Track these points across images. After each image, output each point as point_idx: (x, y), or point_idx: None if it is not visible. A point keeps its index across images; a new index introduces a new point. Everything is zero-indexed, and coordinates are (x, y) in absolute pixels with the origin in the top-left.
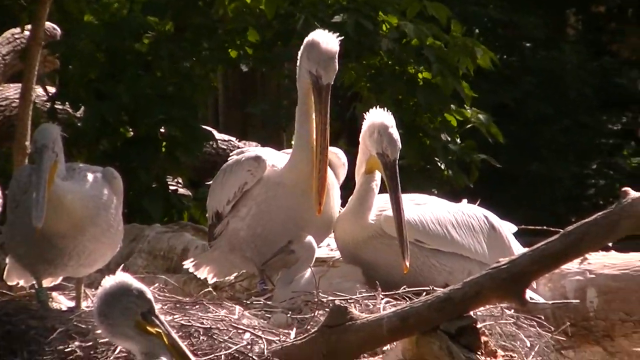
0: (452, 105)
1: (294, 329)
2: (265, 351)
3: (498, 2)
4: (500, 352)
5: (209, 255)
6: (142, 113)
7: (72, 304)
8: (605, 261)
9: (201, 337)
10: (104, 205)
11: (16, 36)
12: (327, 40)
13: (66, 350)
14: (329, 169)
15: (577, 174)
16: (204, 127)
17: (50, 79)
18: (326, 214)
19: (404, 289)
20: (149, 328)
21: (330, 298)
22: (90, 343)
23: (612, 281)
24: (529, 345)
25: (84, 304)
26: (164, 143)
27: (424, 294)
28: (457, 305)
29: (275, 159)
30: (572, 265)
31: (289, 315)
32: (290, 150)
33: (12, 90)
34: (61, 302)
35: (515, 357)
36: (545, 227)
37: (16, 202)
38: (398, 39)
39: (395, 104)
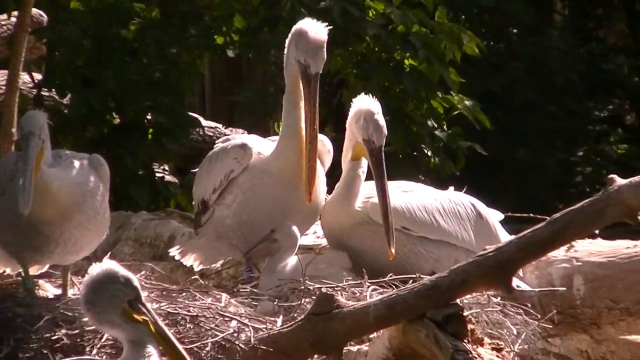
0: (438, 92)
1: (281, 317)
2: (252, 339)
3: None
4: (486, 340)
5: (195, 242)
6: (128, 100)
7: (58, 291)
8: (591, 249)
9: (188, 325)
10: (90, 192)
11: (2, 23)
12: (316, 29)
13: (53, 338)
14: None
15: (563, 161)
16: (190, 114)
17: (37, 65)
18: (312, 201)
19: (391, 276)
20: (135, 316)
21: (317, 286)
22: (77, 331)
23: (599, 269)
24: (515, 333)
25: (70, 292)
26: (151, 130)
27: (411, 281)
28: (443, 292)
29: (262, 146)
30: (559, 253)
31: (275, 302)
32: (276, 138)
33: None
34: (48, 289)
35: (501, 344)
36: (531, 215)
37: (2, 189)
38: (384, 25)
39: (382, 91)
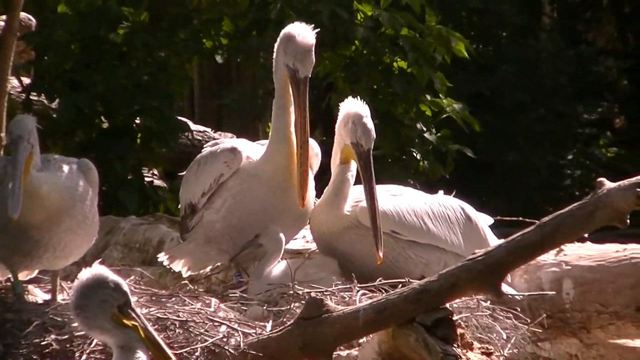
0: (427, 96)
1: (270, 322)
2: (242, 344)
3: None
4: (476, 344)
5: (183, 247)
6: (117, 104)
7: (48, 296)
8: (581, 252)
9: (177, 330)
10: (79, 196)
11: None
12: (303, 32)
13: (42, 343)
14: None
15: (553, 164)
16: (179, 118)
17: (26, 69)
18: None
19: (380, 280)
20: (125, 321)
21: (306, 290)
22: (67, 336)
23: (588, 272)
24: (505, 337)
25: (59, 297)
26: (140, 134)
27: (400, 285)
28: (433, 297)
29: (251, 150)
30: (548, 257)
31: (265, 307)
32: (266, 142)
33: None
34: (37, 295)
35: (491, 349)
36: (521, 218)
37: None
38: (373, 27)
39: (371, 94)
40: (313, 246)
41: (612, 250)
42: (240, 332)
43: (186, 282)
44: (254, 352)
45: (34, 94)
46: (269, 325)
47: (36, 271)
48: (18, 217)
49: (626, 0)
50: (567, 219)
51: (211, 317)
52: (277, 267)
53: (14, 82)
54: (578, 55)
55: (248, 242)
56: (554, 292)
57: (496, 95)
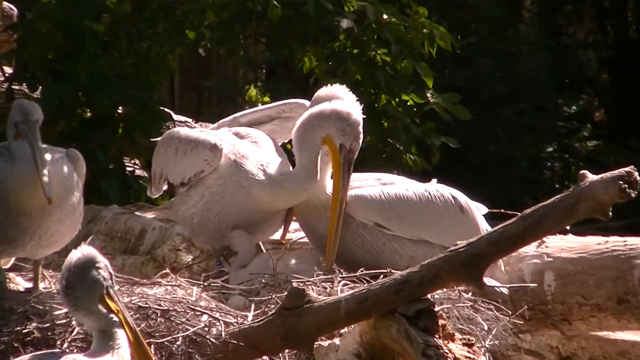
0: (410, 87)
1: (252, 311)
2: (223, 333)
3: None
4: (457, 335)
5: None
6: (99, 93)
7: (29, 285)
8: (562, 244)
9: (159, 319)
10: (71, 187)
11: None
12: (356, 110)
13: (24, 331)
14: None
15: (533, 157)
16: (161, 108)
17: (7, 59)
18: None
19: (362, 271)
20: (111, 305)
21: (288, 280)
22: (48, 324)
23: (570, 264)
24: (486, 328)
25: (41, 285)
26: (122, 124)
27: (382, 276)
28: (414, 288)
29: (233, 145)
30: (530, 249)
31: (246, 297)
32: (250, 130)
33: None
34: (19, 283)
35: (472, 340)
36: (502, 210)
37: None
38: (357, 20)
39: (354, 86)
40: (294, 236)
41: (593, 243)
42: (221, 322)
43: (167, 271)
44: (236, 342)
45: (16, 83)
46: (250, 315)
47: (13, 259)
48: (12, 203)
49: None
50: (550, 211)
51: (193, 307)
52: (259, 258)
53: None
54: (558, 48)
55: (219, 258)
56: (535, 284)
57: (476, 87)
